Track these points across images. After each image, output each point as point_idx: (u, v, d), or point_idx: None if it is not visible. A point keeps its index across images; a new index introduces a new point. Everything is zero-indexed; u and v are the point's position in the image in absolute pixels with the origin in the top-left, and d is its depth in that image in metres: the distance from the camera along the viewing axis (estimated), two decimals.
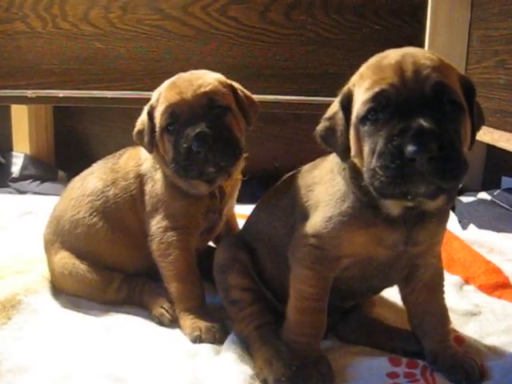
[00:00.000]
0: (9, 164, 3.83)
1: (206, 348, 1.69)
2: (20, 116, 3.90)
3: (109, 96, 3.52)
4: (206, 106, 1.79)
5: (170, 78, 1.91)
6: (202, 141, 1.71)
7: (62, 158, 4.14)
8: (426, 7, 3.45)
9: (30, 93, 3.57)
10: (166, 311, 1.87)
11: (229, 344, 1.68)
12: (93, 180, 2.05)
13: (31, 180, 3.71)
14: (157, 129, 1.85)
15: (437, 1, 3.39)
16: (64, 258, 1.99)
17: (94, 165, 2.15)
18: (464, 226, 2.81)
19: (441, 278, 1.66)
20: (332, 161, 1.59)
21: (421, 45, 3.45)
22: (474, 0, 3.31)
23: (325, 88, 3.43)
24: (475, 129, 1.40)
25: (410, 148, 1.19)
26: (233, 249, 1.79)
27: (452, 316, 1.80)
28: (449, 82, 1.29)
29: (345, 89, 1.45)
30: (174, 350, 1.67)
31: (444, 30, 3.41)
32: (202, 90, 1.79)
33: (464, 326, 1.84)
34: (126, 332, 1.77)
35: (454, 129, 1.28)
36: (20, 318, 1.81)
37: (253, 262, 1.76)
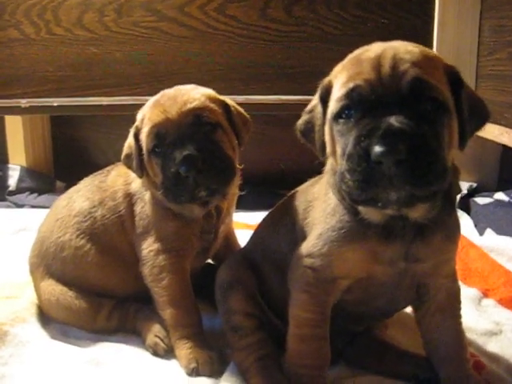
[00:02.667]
0: (5, 177, 3.73)
1: (204, 381, 1.57)
2: (15, 126, 3.79)
3: (104, 103, 3.40)
4: (193, 125, 1.65)
5: (153, 96, 1.79)
6: (190, 164, 1.58)
7: (61, 167, 4.03)
8: None
9: (23, 102, 3.46)
10: (161, 340, 1.74)
11: (227, 377, 1.55)
12: (79, 199, 1.92)
13: (28, 193, 3.60)
14: (144, 151, 1.73)
15: None
16: (51, 285, 1.87)
17: (81, 182, 2.02)
18: (481, 231, 2.66)
19: (456, 302, 1.51)
20: (327, 173, 1.46)
21: (429, 37, 3.32)
22: None
23: None
24: (466, 126, 1.25)
25: (376, 149, 1.09)
26: (237, 268, 1.68)
27: (470, 336, 1.69)
28: (430, 77, 1.18)
29: (325, 80, 1.35)
30: None
31: (453, 20, 3.27)
32: (188, 106, 1.66)
33: (484, 347, 1.71)
34: (117, 365, 1.65)
35: (434, 129, 1.16)
36: (5, 352, 1.69)
37: (258, 282, 1.65)
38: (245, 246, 1.84)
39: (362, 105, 1.19)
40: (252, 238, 1.81)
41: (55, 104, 3.42)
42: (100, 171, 2.01)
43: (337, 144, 1.27)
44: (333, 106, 1.27)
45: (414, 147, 1.10)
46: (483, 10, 3.19)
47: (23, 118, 3.76)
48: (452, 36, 3.27)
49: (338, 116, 1.25)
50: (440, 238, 1.34)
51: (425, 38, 3.32)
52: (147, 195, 1.82)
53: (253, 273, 1.66)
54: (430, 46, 3.32)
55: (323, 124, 1.34)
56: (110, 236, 1.85)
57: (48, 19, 3.48)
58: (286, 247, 1.57)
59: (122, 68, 3.48)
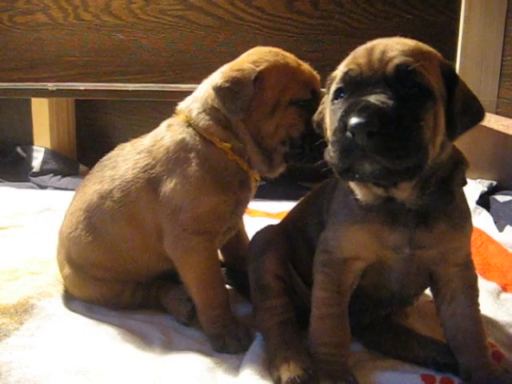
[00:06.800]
0: (30, 158, 3.80)
1: (226, 361, 1.59)
2: (41, 109, 3.85)
3: (130, 89, 3.44)
4: None
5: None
6: None
7: (84, 151, 4.09)
8: None
9: (50, 86, 3.51)
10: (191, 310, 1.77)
11: (250, 357, 1.58)
12: (89, 191, 1.88)
13: (52, 174, 3.66)
14: None
15: None
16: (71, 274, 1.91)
17: (91, 172, 1.95)
18: (500, 228, 2.66)
19: (472, 290, 1.52)
20: None
21: (454, 34, 3.32)
22: None
23: None
24: (457, 119, 1.31)
25: (351, 121, 1.18)
26: (273, 234, 1.75)
27: (489, 328, 1.68)
28: (417, 65, 1.25)
29: (334, 72, 1.43)
30: (191, 363, 1.56)
31: (479, 18, 3.27)
32: None
33: (502, 338, 1.71)
34: (141, 342, 1.68)
35: (414, 111, 1.23)
36: (32, 324, 1.74)
37: (290, 251, 1.72)
38: (281, 221, 1.88)
39: (352, 85, 1.28)
40: (288, 214, 1.88)
41: (82, 88, 3.48)
42: (102, 161, 1.92)
43: (331, 123, 1.37)
44: (331, 90, 1.37)
45: (389, 122, 1.17)
46: (510, 8, 3.17)
47: (49, 101, 3.81)
48: (477, 34, 3.26)
49: (334, 98, 1.34)
50: (444, 226, 1.39)
51: (450, 35, 3.33)
52: (190, 168, 1.71)
53: (287, 241, 1.73)
54: (455, 43, 3.32)
55: None
56: (119, 227, 1.80)
57: (76, 4, 3.55)
58: (316, 226, 1.63)
59: (147, 55, 3.53)
